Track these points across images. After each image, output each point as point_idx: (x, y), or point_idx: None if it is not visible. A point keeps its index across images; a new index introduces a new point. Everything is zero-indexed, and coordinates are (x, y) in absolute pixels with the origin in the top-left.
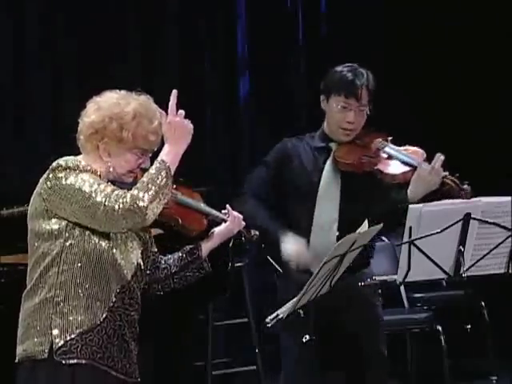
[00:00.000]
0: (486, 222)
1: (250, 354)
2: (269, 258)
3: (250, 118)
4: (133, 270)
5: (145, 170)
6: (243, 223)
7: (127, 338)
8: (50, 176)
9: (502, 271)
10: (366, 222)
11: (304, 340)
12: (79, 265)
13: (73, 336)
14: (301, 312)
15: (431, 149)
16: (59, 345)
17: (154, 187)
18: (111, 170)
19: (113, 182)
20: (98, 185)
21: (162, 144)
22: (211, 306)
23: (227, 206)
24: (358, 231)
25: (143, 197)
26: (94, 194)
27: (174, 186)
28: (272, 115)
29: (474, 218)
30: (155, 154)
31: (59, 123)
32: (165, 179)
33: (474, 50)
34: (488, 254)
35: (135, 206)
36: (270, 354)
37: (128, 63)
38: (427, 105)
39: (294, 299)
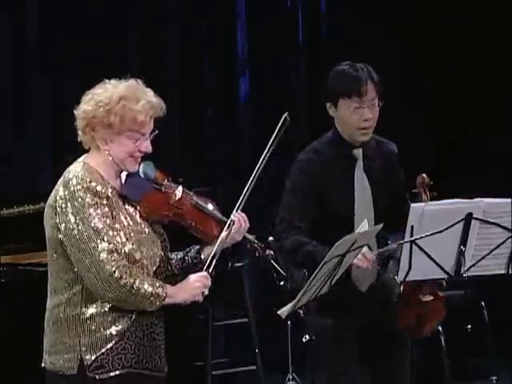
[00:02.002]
0: (488, 222)
1: (249, 353)
2: (272, 262)
3: (250, 118)
4: (157, 264)
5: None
6: (245, 232)
7: (155, 334)
8: (66, 193)
9: (503, 272)
10: (366, 221)
11: (304, 340)
12: None
13: (103, 351)
14: (301, 312)
15: (429, 149)
16: (89, 362)
17: (138, 296)
18: (110, 158)
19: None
20: (106, 235)
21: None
22: (211, 306)
23: (233, 213)
24: (357, 231)
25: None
26: (97, 245)
27: (191, 191)
28: (272, 115)
29: (476, 218)
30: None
31: (59, 123)
32: (149, 300)
33: (474, 50)
34: (489, 254)
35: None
36: (270, 354)
37: (128, 63)
38: (427, 105)
39: (294, 300)
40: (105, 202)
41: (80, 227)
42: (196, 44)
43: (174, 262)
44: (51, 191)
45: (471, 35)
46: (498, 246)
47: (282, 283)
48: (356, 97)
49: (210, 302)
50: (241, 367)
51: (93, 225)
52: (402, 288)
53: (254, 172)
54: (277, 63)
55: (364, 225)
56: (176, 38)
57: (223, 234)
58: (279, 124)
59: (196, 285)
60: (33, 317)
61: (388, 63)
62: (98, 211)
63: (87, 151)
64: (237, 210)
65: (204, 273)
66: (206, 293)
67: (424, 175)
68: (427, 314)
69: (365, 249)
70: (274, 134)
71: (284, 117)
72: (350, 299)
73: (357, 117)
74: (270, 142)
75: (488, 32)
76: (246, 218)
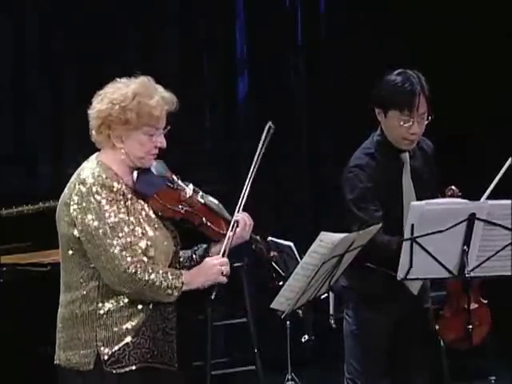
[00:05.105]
0: (492, 223)
1: (248, 353)
2: (273, 263)
3: (250, 118)
4: (169, 260)
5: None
6: (251, 234)
7: (168, 329)
8: (83, 190)
9: (508, 274)
10: None
11: (303, 340)
12: None
13: (119, 346)
14: (300, 312)
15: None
16: (106, 357)
17: (154, 289)
18: (123, 157)
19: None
20: (121, 231)
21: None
22: (210, 306)
23: (235, 214)
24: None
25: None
26: (113, 241)
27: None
28: (272, 115)
29: (479, 219)
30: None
31: (59, 123)
32: (166, 292)
33: (472, 53)
34: (494, 255)
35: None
36: (269, 354)
37: (128, 63)
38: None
39: (293, 300)
40: (121, 198)
41: (96, 223)
42: (195, 44)
43: (181, 259)
44: (51, 191)
45: (470, 38)
46: (504, 247)
47: (280, 283)
48: (407, 111)
49: (209, 302)
50: (240, 367)
51: (109, 221)
52: (447, 299)
53: (249, 176)
54: (276, 63)
55: None
56: (176, 37)
57: (229, 233)
58: (264, 133)
59: (214, 269)
60: (33, 316)
61: (387, 64)
62: (114, 207)
63: (86, 150)
64: (238, 211)
65: (222, 257)
66: (226, 273)
67: (453, 187)
68: (474, 322)
69: None
70: (261, 144)
71: (268, 126)
72: (391, 296)
73: (405, 129)
74: (258, 152)
75: (486, 35)
76: (249, 217)
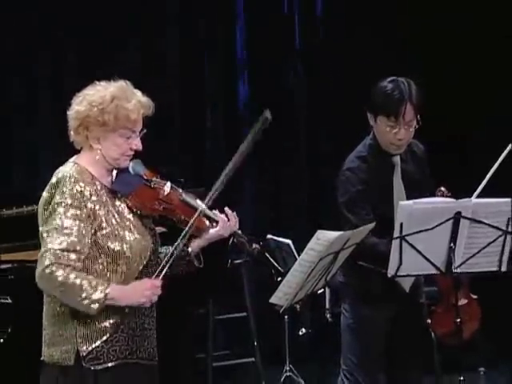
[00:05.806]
0: (477, 221)
1: (248, 346)
2: (268, 258)
3: (250, 119)
4: (147, 257)
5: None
6: (234, 229)
7: (146, 324)
8: (53, 192)
9: (493, 269)
10: None
11: (300, 333)
12: (95, 276)
13: (98, 343)
14: (297, 307)
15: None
16: (85, 353)
17: (77, 295)
18: (97, 158)
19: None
20: (67, 235)
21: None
22: (211, 301)
23: (226, 209)
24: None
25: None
26: (49, 240)
27: (181, 189)
28: (271, 115)
29: (465, 217)
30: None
31: (59, 123)
32: (82, 302)
33: (472, 53)
34: (478, 252)
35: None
36: (268, 347)
37: (128, 64)
38: (425, 107)
39: (291, 295)
40: (85, 204)
41: (49, 223)
42: (195, 44)
43: (162, 255)
44: None
45: (469, 38)
46: (488, 244)
47: (279, 279)
48: (393, 117)
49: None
50: (240, 359)
51: (58, 222)
52: (439, 296)
53: (227, 171)
54: (276, 63)
55: None
56: (176, 38)
57: (186, 228)
58: (260, 122)
59: (146, 293)
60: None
61: (385, 64)
62: (72, 211)
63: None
64: (209, 200)
65: (158, 282)
66: (155, 300)
67: (442, 188)
68: (464, 317)
69: None
70: (255, 132)
71: (265, 116)
72: (388, 293)
73: (392, 135)
74: (250, 139)
75: (485, 36)
76: (234, 215)
